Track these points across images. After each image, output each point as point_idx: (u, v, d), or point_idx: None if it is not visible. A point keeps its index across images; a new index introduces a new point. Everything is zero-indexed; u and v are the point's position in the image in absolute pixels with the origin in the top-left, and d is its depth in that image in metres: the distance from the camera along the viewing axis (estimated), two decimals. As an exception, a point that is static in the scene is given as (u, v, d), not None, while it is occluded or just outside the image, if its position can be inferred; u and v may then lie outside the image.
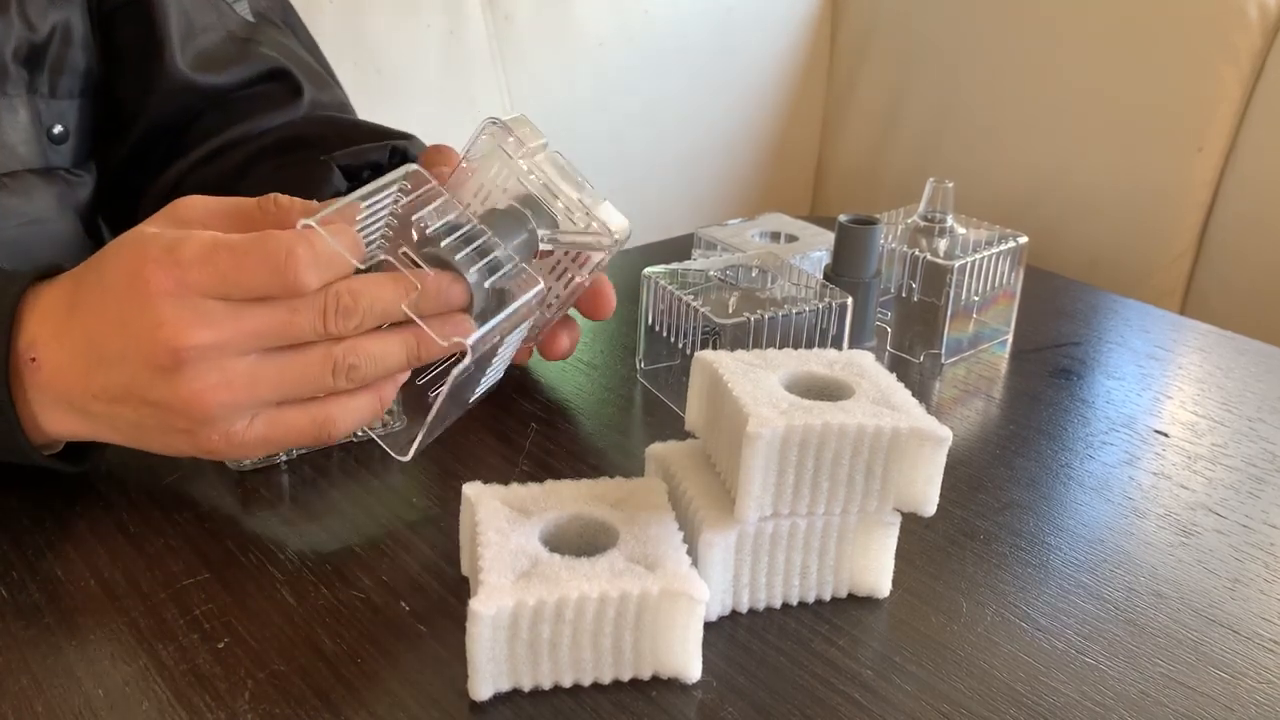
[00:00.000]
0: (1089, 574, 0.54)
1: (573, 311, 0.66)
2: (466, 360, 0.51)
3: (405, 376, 0.54)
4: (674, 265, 0.69)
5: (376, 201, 0.51)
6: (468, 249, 0.52)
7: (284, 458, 0.61)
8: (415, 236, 0.52)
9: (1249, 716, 0.46)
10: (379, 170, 0.77)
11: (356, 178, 0.76)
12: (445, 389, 0.52)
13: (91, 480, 0.58)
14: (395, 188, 0.52)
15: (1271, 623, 0.52)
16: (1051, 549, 0.56)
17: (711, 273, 0.68)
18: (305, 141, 0.76)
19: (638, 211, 0.75)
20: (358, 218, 0.50)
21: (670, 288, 0.67)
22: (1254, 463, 0.65)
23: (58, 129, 0.70)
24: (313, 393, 0.50)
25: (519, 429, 0.66)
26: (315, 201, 0.52)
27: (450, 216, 0.53)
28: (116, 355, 0.48)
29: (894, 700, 0.46)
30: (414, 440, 0.55)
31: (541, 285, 0.54)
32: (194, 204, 0.51)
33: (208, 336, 0.46)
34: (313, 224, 0.48)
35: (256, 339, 0.47)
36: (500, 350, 0.57)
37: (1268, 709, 0.46)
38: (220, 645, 0.47)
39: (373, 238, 0.52)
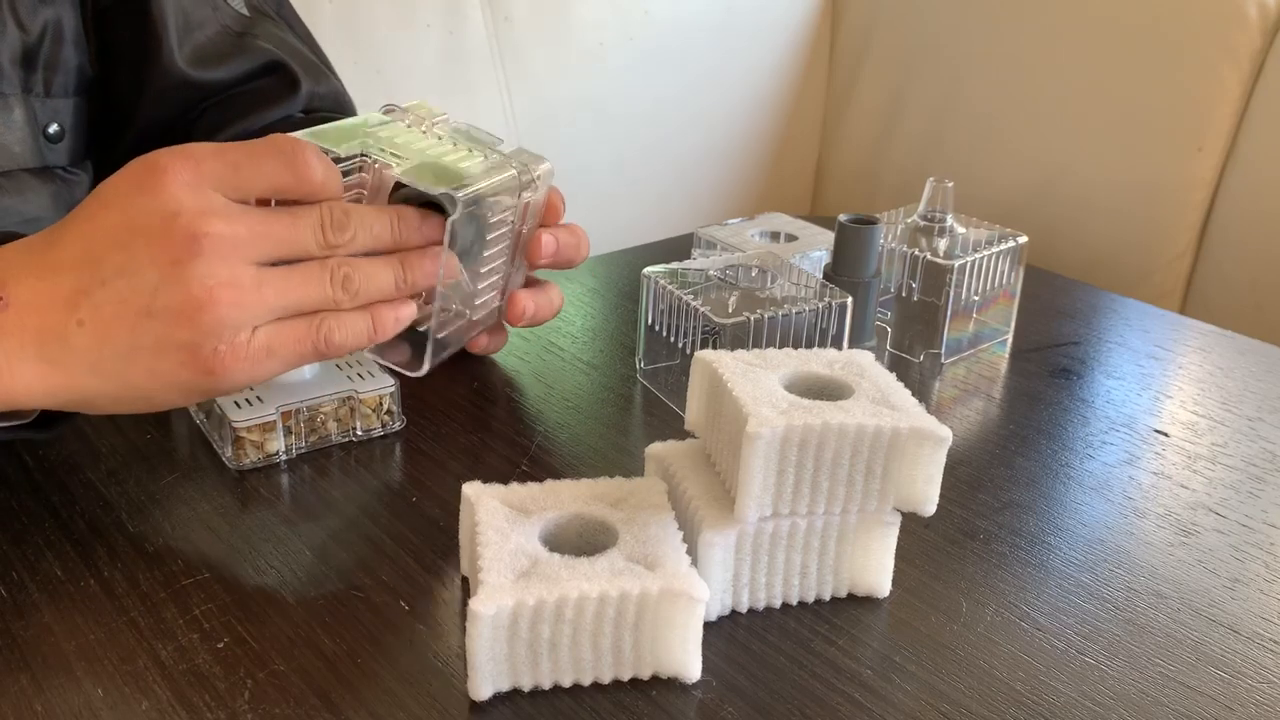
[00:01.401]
0: (1089, 574, 0.54)
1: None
2: (453, 292, 0.57)
3: (406, 318, 0.55)
4: (674, 265, 0.69)
5: (350, 131, 0.56)
6: (442, 187, 0.56)
7: (284, 457, 0.61)
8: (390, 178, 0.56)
9: (1248, 716, 0.46)
10: None
11: None
12: (435, 301, 0.57)
13: (92, 480, 0.58)
14: (366, 122, 0.57)
15: (1271, 623, 0.52)
16: (1051, 549, 0.56)
17: (711, 272, 0.68)
18: None
19: (638, 211, 0.75)
20: (333, 142, 0.55)
21: (670, 287, 0.67)
22: (1254, 462, 0.65)
23: (53, 128, 0.69)
24: (313, 305, 0.51)
25: (519, 429, 0.66)
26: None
27: (425, 142, 0.58)
28: (118, 266, 0.47)
29: (894, 700, 0.46)
30: (424, 354, 0.59)
31: (514, 172, 0.59)
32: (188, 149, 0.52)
33: (222, 226, 0.47)
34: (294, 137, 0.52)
35: (264, 241, 0.49)
36: (484, 283, 0.61)
37: (1267, 709, 0.46)
38: (220, 645, 0.47)
39: (349, 182, 0.56)
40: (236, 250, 0.48)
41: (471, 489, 0.49)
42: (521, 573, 0.44)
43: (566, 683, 0.45)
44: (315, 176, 0.50)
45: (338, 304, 0.52)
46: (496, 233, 0.60)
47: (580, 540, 0.48)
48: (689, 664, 0.45)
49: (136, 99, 0.75)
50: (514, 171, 0.60)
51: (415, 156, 0.57)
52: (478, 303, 0.63)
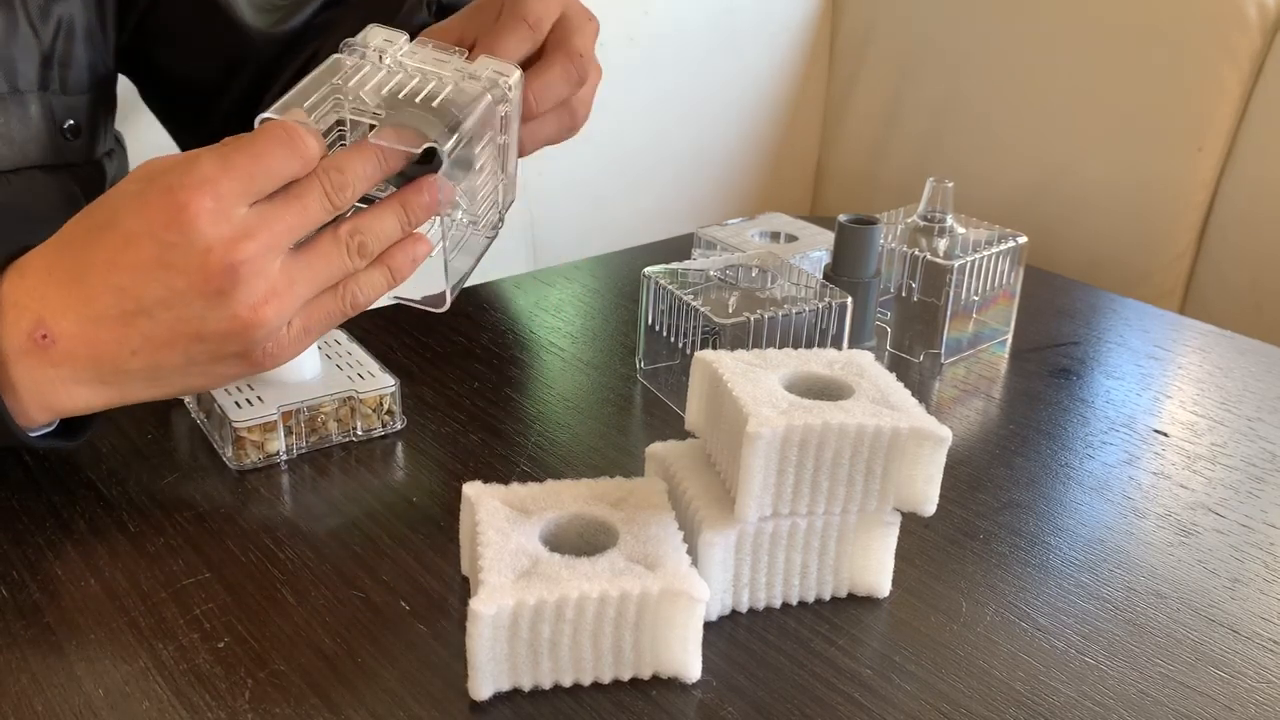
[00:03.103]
0: (1089, 574, 0.54)
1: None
2: (455, 211, 0.57)
3: (422, 254, 0.56)
4: (674, 265, 0.69)
5: (317, 88, 0.55)
6: (418, 109, 0.55)
7: (284, 457, 0.61)
8: (367, 107, 0.56)
9: (1248, 716, 0.46)
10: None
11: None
12: (444, 240, 0.57)
13: (92, 480, 0.58)
14: (331, 74, 0.56)
15: (1271, 623, 0.52)
16: (1051, 549, 0.56)
17: (711, 273, 0.68)
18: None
19: (638, 211, 0.75)
20: (305, 105, 0.53)
21: (670, 287, 0.67)
22: (1254, 462, 0.65)
23: (70, 124, 0.70)
24: (337, 277, 0.53)
25: (519, 429, 0.66)
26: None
27: (394, 82, 0.57)
28: (160, 300, 0.49)
29: (894, 700, 0.46)
30: (445, 290, 0.59)
31: (490, 99, 0.58)
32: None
33: (252, 247, 0.48)
34: (269, 115, 0.51)
35: (287, 234, 0.50)
36: (480, 194, 0.61)
37: (1267, 709, 0.46)
38: (220, 645, 0.47)
39: (327, 123, 0.55)
40: (267, 260, 0.49)
41: (472, 489, 0.49)
42: (522, 573, 0.44)
43: (567, 682, 0.45)
44: (314, 153, 0.50)
45: (356, 269, 0.53)
46: (482, 148, 0.60)
47: (580, 540, 0.48)
48: (689, 664, 0.45)
49: (211, 72, 0.76)
50: (488, 98, 0.59)
51: (388, 105, 0.56)
52: (479, 213, 0.62)
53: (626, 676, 0.46)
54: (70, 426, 0.54)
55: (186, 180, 0.48)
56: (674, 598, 0.44)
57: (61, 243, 0.51)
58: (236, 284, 0.48)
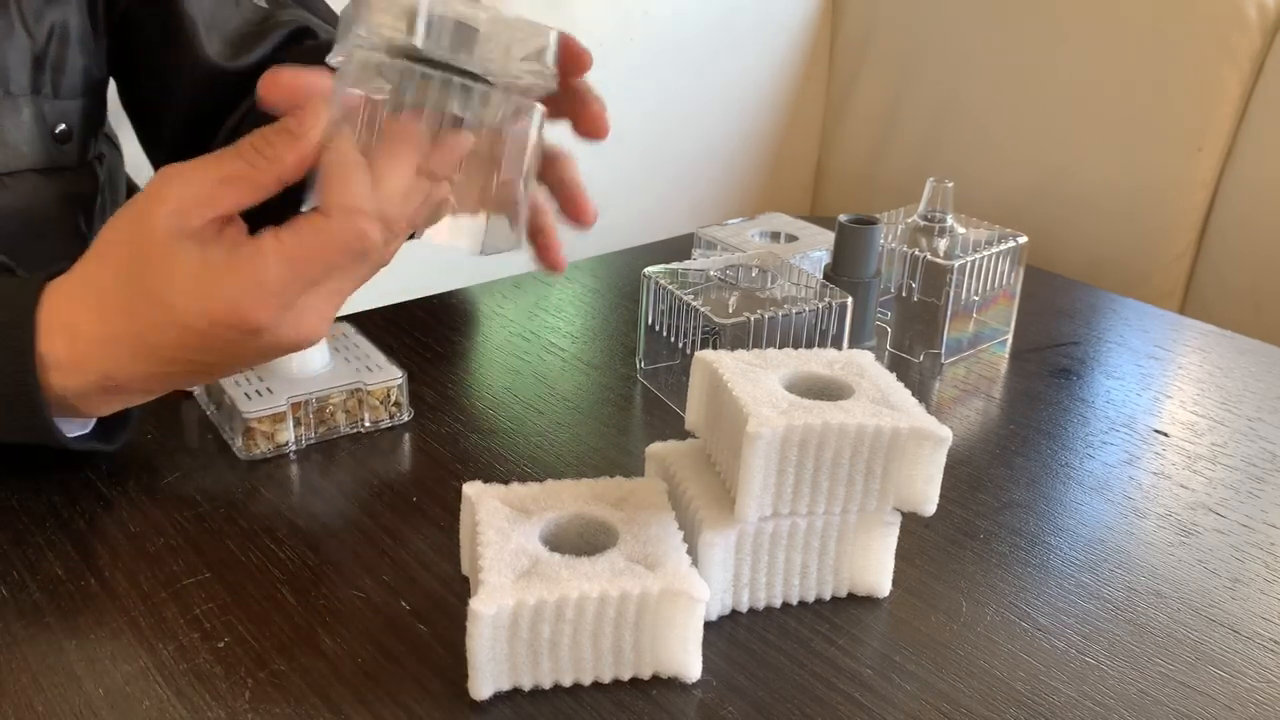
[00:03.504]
0: (1089, 574, 0.54)
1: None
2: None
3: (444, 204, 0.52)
4: (674, 265, 0.69)
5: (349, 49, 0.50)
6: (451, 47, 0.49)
7: (293, 448, 0.61)
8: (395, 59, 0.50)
9: (1248, 716, 0.46)
10: None
11: None
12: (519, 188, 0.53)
13: (92, 480, 0.58)
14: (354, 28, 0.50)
15: (1271, 622, 0.52)
16: (1051, 549, 0.56)
17: (711, 273, 0.68)
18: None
19: (638, 212, 0.75)
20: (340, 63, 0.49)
21: (670, 287, 0.67)
22: (1254, 462, 0.65)
23: (61, 128, 0.70)
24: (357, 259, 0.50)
25: (519, 429, 0.66)
26: (292, 121, 0.49)
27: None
28: (219, 357, 0.50)
29: (894, 700, 0.46)
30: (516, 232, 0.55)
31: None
32: (179, 175, 0.49)
33: (272, 308, 0.48)
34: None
35: (340, 296, 0.50)
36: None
37: (1267, 708, 0.46)
38: (220, 644, 0.47)
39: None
40: (298, 294, 0.48)
41: (472, 489, 0.49)
42: (522, 572, 0.44)
43: (567, 682, 0.45)
44: (377, 242, 0.48)
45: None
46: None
47: (581, 540, 0.48)
48: (689, 664, 0.45)
49: (171, 96, 0.75)
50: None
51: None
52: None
53: (626, 676, 0.46)
54: (106, 428, 0.56)
55: (253, 296, 0.47)
56: (674, 598, 0.44)
57: (104, 305, 0.50)
58: (280, 337, 0.49)
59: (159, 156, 0.79)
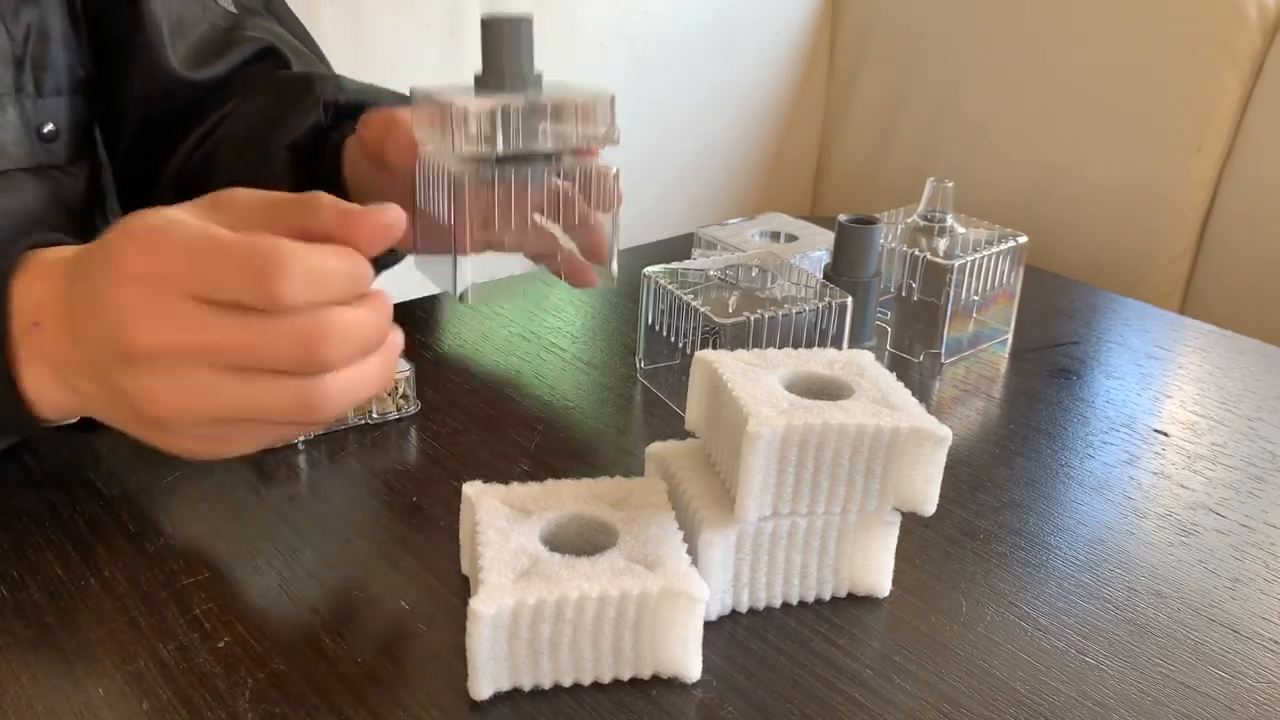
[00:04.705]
0: (1089, 574, 0.54)
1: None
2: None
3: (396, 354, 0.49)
4: (674, 265, 0.69)
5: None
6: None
7: (301, 438, 0.62)
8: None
9: (1249, 716, 0.46)
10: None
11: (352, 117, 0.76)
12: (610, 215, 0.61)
13: (92, 480, 0.58)
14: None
15: (1271, 622, 0.52)
16: (1051, 549, 0.56)
17: (711, 273, 0.68)
18: (297, 78, 0.77)
19: (638, 212, 0.75)
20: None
21: (670, 287, 0.67)
22: (1254, 462, 0.65)
23: (48, 128, 0.70)
24: (284, 420, 0.45)
25: (519, 429, 0.66)
26: (356, 206, 0.46)
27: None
28: (87, 334, 0.45)
29: (894, 700, 0.46)
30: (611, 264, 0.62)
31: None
32: (234, 194, 0.47)
33: (165, 338, 0.43)
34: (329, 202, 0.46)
35: (220, 355, 0.43)
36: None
37: (1268, 709, 0.46)
38: (220, 645, 0.47)
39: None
40: (183, 359, 0.44)
41: (472, 489, 0.49)
42: (522, 572, 0.44)
43: (567, 682, 0.45)
44: (284, 296, 0.42)
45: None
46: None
47: (580, 540, 0.48)
48: (689, 664, 0.45)
49: (132, 100, 0.75)
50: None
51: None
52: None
53: (626, 676, 0.46)
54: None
55: (145, 234, 0.43)
56: (674, 597, 0.44)
57: (88, 245, 0.48)
58: (135, 362, 0.44)
59: (115, 164, 0.78)
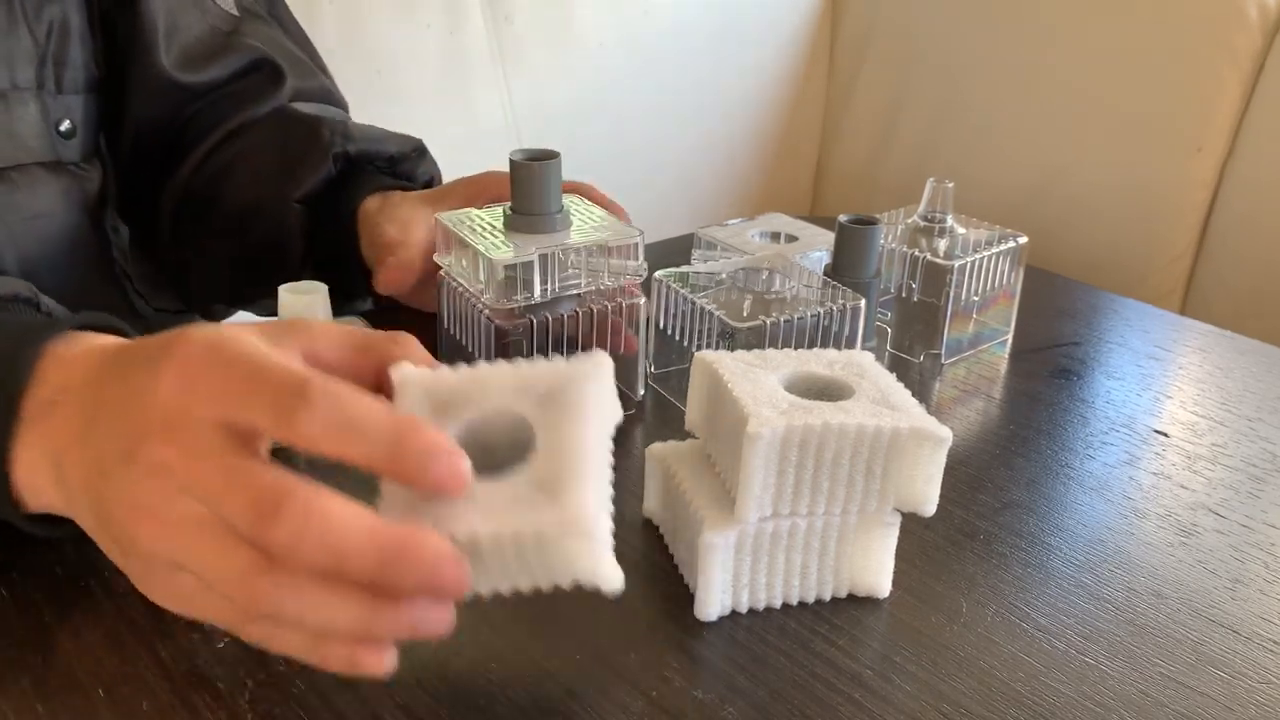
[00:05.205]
0: (1089, 574, 0.54)
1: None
2: None
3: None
4: (684, 268, 0.69)
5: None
6: None
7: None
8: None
9: (1249, 716, 0.46)
10: (393, 163, 0.78)
11: (363, 169, 0.77)
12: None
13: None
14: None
15: (1271, 623, 0.52)
16: (1051, 549, 0.56)
17: (723, 276, 0.68)
18: (305, 123, 0.77)
19: (638, 212, 0.75)
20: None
21: (683, 292, 0.66)
22: (1254, 463, 0.65)
23: (65, 124, 0.70)
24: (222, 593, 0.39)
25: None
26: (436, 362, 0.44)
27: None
28: (105, 430, 0.41)
29: (894, 700, 0.46)
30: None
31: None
32: (311, 326, 0.44)
33: (175, 459, 0.38)
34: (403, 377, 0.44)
35: (216, 499, 0.38)
36: None
37: (1268, 709, 0.46)
38: (221, 645, 0.47)
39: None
40: (176, 485, 0.39)
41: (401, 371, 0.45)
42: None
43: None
44: (276, 540, 0.38)
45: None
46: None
47: (509, 443, 0.42)
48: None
49: (127, 101, 0.75)
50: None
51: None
52: None
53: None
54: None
55: (169, 425, 0.39)
56: (575, 536, 0.38)
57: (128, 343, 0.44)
58: (135, 460, 0.39)
59: (117, 165, 0.78)
